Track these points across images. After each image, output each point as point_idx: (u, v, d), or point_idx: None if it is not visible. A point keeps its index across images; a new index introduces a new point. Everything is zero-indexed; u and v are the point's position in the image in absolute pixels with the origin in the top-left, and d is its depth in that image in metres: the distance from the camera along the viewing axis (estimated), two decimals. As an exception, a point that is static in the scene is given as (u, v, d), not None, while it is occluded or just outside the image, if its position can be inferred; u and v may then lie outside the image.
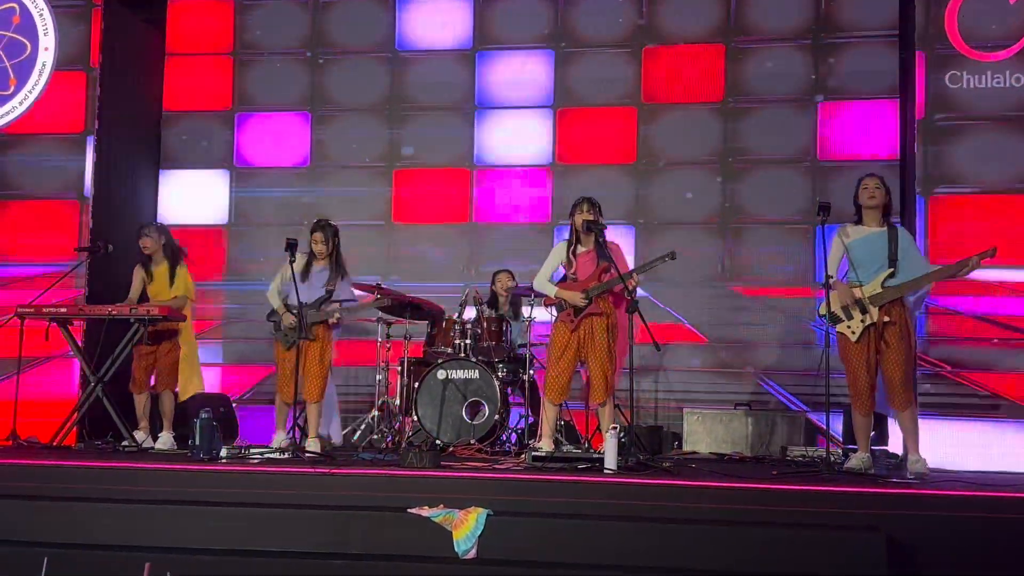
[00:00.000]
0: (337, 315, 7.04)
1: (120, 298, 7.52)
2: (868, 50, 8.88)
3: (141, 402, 7.42)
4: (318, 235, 7.20)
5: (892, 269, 6.13)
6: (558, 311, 6.58)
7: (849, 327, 6.16)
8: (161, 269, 7.46)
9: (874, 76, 8.82)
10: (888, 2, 8.79)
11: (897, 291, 6.10)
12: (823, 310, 6.23)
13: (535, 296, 7.26)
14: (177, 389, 7.50)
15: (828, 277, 6.19)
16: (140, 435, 7.29)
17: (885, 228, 6.24)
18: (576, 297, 6.43)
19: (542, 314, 7.50)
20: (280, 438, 7.01)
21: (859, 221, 6.32)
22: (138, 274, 7.53)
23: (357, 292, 7.51)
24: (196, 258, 8.14)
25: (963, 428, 7.44)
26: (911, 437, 6.13)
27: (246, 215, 9.70)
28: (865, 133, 8.82)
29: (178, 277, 7.45)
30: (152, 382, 7.44)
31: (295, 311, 6.94)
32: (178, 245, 7.62)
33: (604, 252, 6.46)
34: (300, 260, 7.06)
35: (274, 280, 7.25)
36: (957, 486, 5.52)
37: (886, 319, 6.09)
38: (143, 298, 7.48)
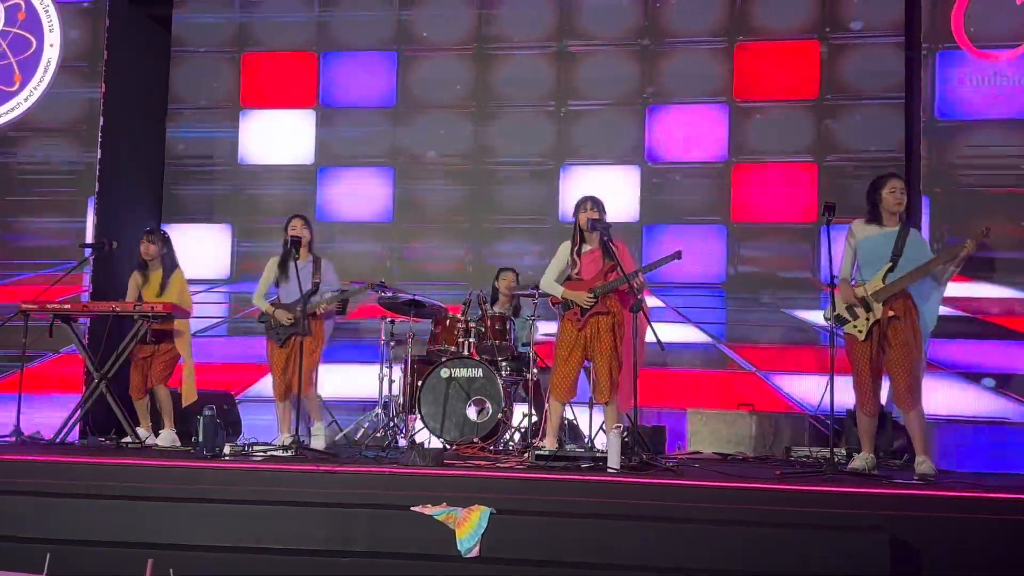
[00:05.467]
0: (323, 306, 7.03)
1: (124, 296, 7.53)
2: (874, 50, 8.87)
3: (142, 407, 7.43)
4: (297, 221, 7.23)
5: (891, 264, 6.10)
6: (564, 310, 6.57)
7: (855, 326, 6.14)
8: (156, 275, 7.45)
9: (879, 76, 8.81)
10: (894, 1, 8.79)
11: (897, 284, 6.08)
12: (828, 314, 6.21)
13: (539, 295, 7.25)
14: (181, 391, 7.49)
15: (832, 278, 6.17)
16: (142, 432, 7.29)
17: (898, 227, 6.21)
18: (582, 298, 6.42)
19: (546, 311, 7.50)
20: (284, 439, 6.99)
21: (871, 219, 6.29)
22: (134, 281, 7.52)
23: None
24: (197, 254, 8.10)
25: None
26: (917, 438, 6.10)
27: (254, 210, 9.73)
28: (870, 131, 8.81)
29: (172, 284, 7.43)
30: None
31: (288, 307, 7.04)
32: (175, 256, 7.61)
33: (609, 251, 6.45)
34: (275, 263, 7.24)
35: (259, 284, 7.33)
36: (961, 487, 5.51)
37: (891, 313, 6.06)
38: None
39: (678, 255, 6.46)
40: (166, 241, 7.53)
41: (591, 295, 6.40)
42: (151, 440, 7.29)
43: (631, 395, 6.30)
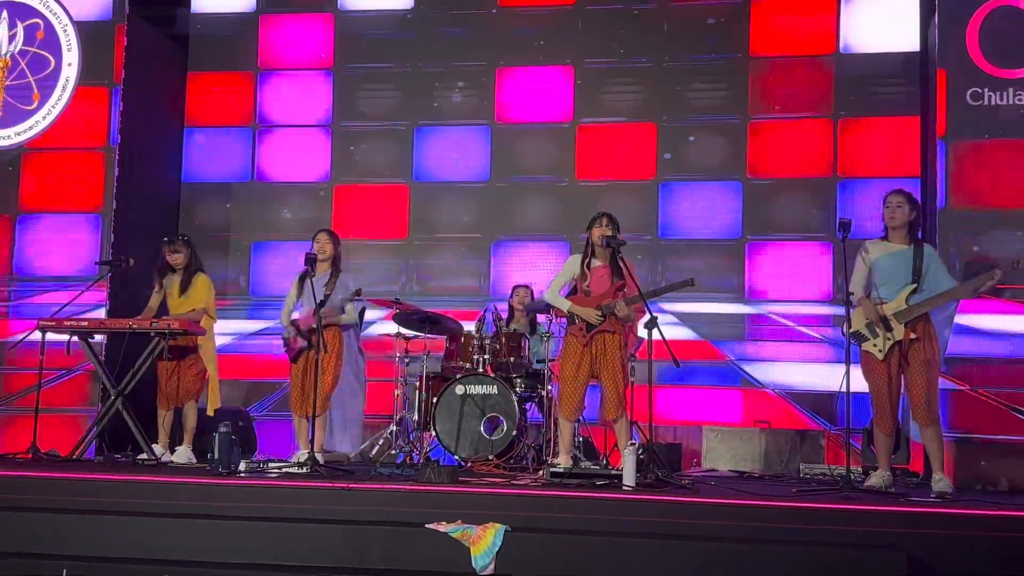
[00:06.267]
0: (328, 317, 7.06)
1: (141, 312, 7.56)
2: (888, 67, 8.89)
3: (165, 418, 7.45)
4: (323, 235, 7.28)
5: (915, 285, 6.08)
6: (568, 324, 6.57)
7: (875, 345, 6.11)
8: (177, 279, 7.49)
9: (894, 94, 8.81)
10: (908, 19, 8.81)
11: (921, 307, 6.05)
12: (846, 329, 6.19)
13: (554, 312, 7.25)
14: (204, 404, 7.52)
15: (849, 295, 6.15)
16: (158, 449, 7.31)
17: (910, 245, 6.18)
18: (591, 314, 6.42)
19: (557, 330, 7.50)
20: (301, 455, 7.01)
21: (885, 238, 6.27)
22: (158, 284, 7.58)
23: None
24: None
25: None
26: (935, 455, 6.06)
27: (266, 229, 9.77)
28: (885, 151, 8.81)
29: (194, 287, 7.46)
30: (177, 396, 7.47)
31: (299, 323, 7.10)
32: (199, 260, 7.64)
33: (620, 270, 6.45)
34: (296, 281, 7.23)
35: (285, 302, 7.37)
36: (979, 505, 5.48)
37: (912, 336, 6.04)
38: (162, 309, 7.53)
39: (691, 282, 6.44)
40: (190, 244, 7.55)
41: (599, 313, 6.40)
42: (166, 457, 7.31)
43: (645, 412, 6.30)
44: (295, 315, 7.28)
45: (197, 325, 7.36)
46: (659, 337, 5.94)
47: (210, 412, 7.45)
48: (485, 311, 7.94)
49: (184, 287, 7.45)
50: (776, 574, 4.78)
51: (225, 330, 9.29)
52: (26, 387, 8.40)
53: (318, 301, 6.85)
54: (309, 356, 7.01)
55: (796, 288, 8.87)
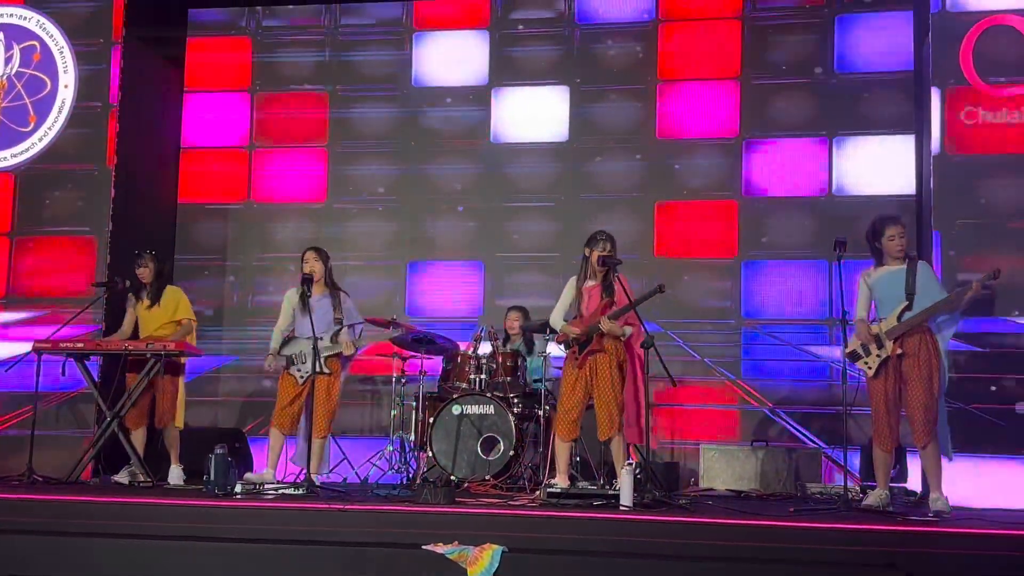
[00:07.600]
0: (351, 348, 7.06)
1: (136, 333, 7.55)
2: (882, 86, 8.91)
3: (138, 438, 7.37)
4: (310, 254, 7.21)
5: (908, 302, 6.12)
6: (566, 348, 6.58)
7: (866, 363, 6.17)
8: (145, 294, 7.48)
9: (889, 112, 8.84)
10: (902, 37, 8.85)
11: (911, 322, 6.09)
12: (844, 349, 6.26)
13: (549, 332, 7.25)
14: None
15: (844, 313, 6.20)
16: (125, 475, 7.28)
17: (905, 264, 6.24)
18: (571, 329, 6.45)
19: (556, 350, 7.48)
20: (268, 473, 6.97)
21: (878, 263, 6.34)
22: (130, 304, 7.58)
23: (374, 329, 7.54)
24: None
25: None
26: (933, 474, 6.08)
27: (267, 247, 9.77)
28: (880, 169, 8.83)
29: (167, 298, 7.43)
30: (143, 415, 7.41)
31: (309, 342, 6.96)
32: (169, 273, 7.60)
33: (610, 288, 6.46)
34: (294, 295, 7.12)
35: (280, 319, 7.28)
36: (976, 524, 5.47)
37: (899, 351, 6.07)
38: (135, 330, 7.54)
39: (661, 289, 6.42)
40: (154, 258, 7.52)
41: (578, 330, 6.41)
42: (125, 477, 7.25)
43: (643, 432, 6.30)
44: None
45: (193, 346, 7.36)
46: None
47: (179, 424, 7.41)
48: (479, 331, 7.92)
49: (154, 298, 7.42)
50: (774, 594, 4.77)
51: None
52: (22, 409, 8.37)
53: (329, 327, 6.97)
54: (318, 380, 6.96)
55: (793, 307, 8.86)
